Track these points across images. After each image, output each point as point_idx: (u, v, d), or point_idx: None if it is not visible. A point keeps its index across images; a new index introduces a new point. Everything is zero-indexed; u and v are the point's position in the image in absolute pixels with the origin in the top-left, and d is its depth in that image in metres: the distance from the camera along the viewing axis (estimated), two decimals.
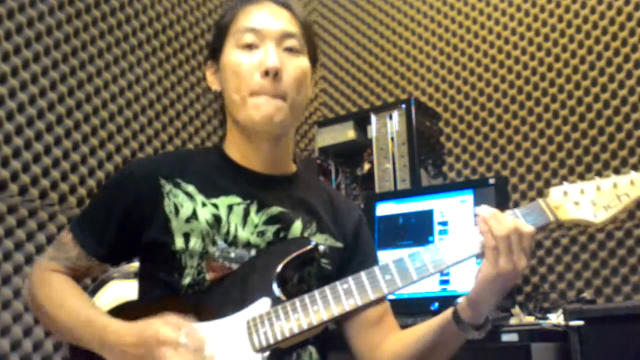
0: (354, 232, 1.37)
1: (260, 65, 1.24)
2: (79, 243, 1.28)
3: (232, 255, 1.24)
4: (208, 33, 2.86)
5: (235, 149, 1.33)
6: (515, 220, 1.10)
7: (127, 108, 2.42)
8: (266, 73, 1.23)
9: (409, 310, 2.13)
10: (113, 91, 2.37)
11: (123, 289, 1.49)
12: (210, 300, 1.20)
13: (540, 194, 2.67)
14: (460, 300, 1.18)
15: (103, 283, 1.54)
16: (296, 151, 1.44)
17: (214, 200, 1.26)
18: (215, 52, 1.33)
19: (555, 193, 1.14)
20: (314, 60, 1.35)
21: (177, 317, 1.09)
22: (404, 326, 1.35)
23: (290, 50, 1.28)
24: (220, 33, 1.32)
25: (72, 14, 2.26)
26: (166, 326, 1.07)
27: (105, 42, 2.37)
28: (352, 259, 1.34)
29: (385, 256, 2.41)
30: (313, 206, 1.34)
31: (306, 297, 1.15)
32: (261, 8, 1.30)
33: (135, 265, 1.61)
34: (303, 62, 1.30)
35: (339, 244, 1.34)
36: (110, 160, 2.32)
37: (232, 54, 1.28)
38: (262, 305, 1.17)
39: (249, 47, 1.26)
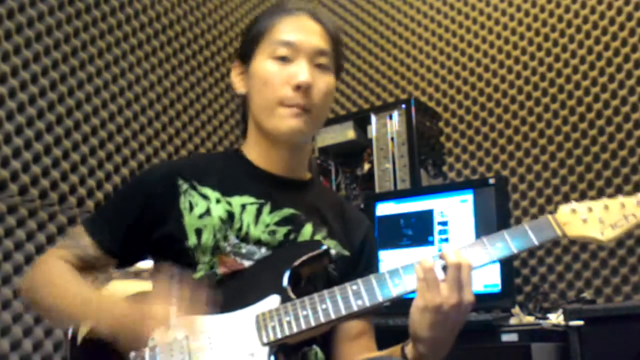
0: (361, 243, 1.40)
1: (291, 78, 1.28)
2: (89, 233, 1.31)
3: (243, 250, 1.27)
4: (208, 33, 2.86)
5: (254, 151, 1.37)
6: (457, 253, 1.11)
7: (127, 108, 2.42)
8: (298, 87, 1.27)
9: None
10: (113, 91, 2.37)
11: (123, 289, 1.50)
12: (221, 294, 1.22)
13: (541, 193, 2.67)
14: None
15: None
16: (312, 160, 1.47)
17: (229, 199, 1.30)
18: (245, 56, 1.36)
19: (563, 210, 1.17)
20: (338, 73, 1.40)
21: (179, 303, 1.13)
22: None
23: (320, 66, 1.32)
24: (254, 39, 1.35)
25: (72, 14, 2.26)
26: (159, 304, 1.12)
27: (105, 42, 2.37)
28: (355, 267, 1.37)
29: (385, 256, 2.42)
30: (324, 213, 1.38)
31: (316, 296, 1.17)
32: (298, 22, 1.34)
33: (135, 266, 1.61)
34: (330, 79, 1.34)
35: (346, 252, 1.37)
36: (110, 160, 2.32)
37: (264, 64, 1.31)
38: (272, 301, 1.19)
39: (283, 59, 1.30)
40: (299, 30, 1.32)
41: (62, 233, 2.11)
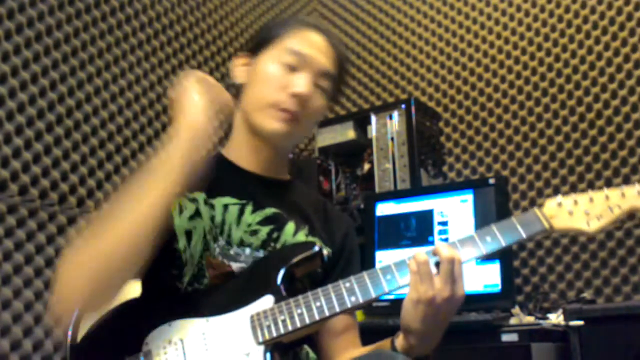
0: (342, 240, 1.43)
1: (291, 86, 1.31)
2: None
3: (231, 252, 1.28)
4: (208, 33, 2.86)
5: (236, 150, 1.39)
6: (451, 250, 1.14)
7: (127, 108, 2.41)
8: (294, 96, 1.30)
9: None
10: (113, 91, 2.37)
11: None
12: (214, 297, 1.24)
13: (541, 193, 2.67)
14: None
15: None
16: (292, 162, 1.49)
17: (211, 200, 1.31)
18: (254, 50, 1.39)
19: (550, 204, 1.20)
20: (333, 100, 1.43)
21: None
22: None
23: (319, 87, 1.35)
24: (267, 38, 1.38)
25: (72, 14, 2.26)
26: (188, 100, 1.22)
27: (105, 42, 2.37)
28: (337, 264, 1.40)
29: (385, 256, 2.42)
30: (305, 211, 1.40)
31: (309, 294, 1.18)
32: (313, 37, 1.36)
33: None
34: (324, 103, 1.38)
35: (328, 249, 1.39)
36: (110, 160, 2.32)
37: (270, 65, 1.34)
38: (266, 301, 1.20)
39: (289, 67, 1.33)
40: (311, 46, 1.35)
41: (62, 233, 2.11)
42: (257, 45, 1.39)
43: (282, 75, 1.32)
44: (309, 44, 1.35)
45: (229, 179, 1.35)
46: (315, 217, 1.41)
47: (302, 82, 1.31)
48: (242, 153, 1.38)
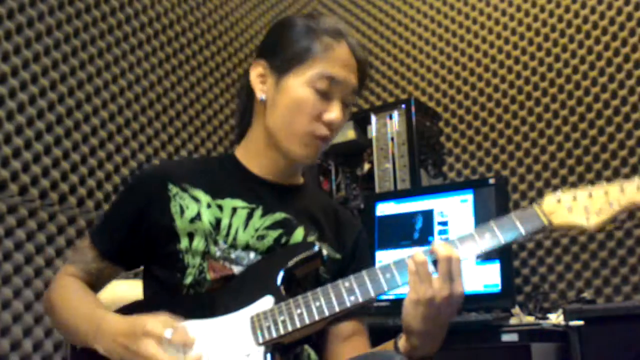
0: (352, 246, 1.41)
1: (326, 114, 1.29)
2: (94, 244, 1.34)
3: (233, 256, 1.28)
4: (208, 33, 2.86)
5: (250, 156, 1.38)
6: (450, 249, 1.13)
7: (127, 108, 2.42)
8: (329, 123, 1.29)
9: None
10: (113, 91, 2.37)
11: (123, 288, 1.50)
12: (214, 298, 1.24)
13: (540, 193, 2.67)
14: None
15: None
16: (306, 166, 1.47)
17: (220, 202, 1.31)
18: (279, 66, 1.32)
19: (549, 200, 1.19)
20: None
21: (170, 316, 1.15)
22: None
23: (346, 104, 1.34)
24: (299, 55, 1.30)
25: (72, 14, 2.26)
26: (155, 320, 1.13)
27: (105, 42, 2.37)
28: (347, 269, 1.37)
29: (385, 256, 2.42)
30: (316, 217, 1.39)
31: (309, 294, 1.18)
32: (343, 53, 1.32)
33: None
34: (349, 114, 1.37)
35: (338, 256, 1.38)
36: (110, 160, 2.32)
37: (301, 89, 1.29)
38: (266, 302, 1.20)
39: (321, 92, 1.29)
40: (342, 66, 1.31)
41: (62, 233, 2.12)
42: (283, 60, 1.31)
43: (316, 103, 1.28)
44: (340, 64, 1.30)
45: (240, 183, 1.35)
46: (325, 222, 1.39)
47: (337, 111, 1.29)
48: (256, 161, 1.36)
